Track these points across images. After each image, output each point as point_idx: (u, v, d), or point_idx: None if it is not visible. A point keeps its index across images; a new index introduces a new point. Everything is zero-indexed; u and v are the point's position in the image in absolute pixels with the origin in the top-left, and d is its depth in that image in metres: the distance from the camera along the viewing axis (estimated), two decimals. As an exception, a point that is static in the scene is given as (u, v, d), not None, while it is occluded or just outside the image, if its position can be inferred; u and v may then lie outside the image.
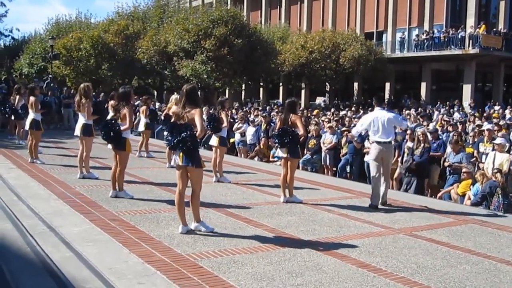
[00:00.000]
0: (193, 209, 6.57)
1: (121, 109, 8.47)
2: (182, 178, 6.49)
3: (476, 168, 11.30)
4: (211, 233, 6.53)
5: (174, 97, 12.13)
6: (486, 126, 13.41)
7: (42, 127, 12.41)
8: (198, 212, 6.63)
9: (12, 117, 15.51)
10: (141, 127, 14.04)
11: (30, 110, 12.09)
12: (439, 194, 11.22)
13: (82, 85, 10.45)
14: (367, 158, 12.89)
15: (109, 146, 8.61)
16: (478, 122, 17.19)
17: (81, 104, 10.13)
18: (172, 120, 6.66)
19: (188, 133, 6.17)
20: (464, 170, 10.69)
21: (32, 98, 12.09)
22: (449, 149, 12.03)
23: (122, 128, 8.32)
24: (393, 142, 9.21)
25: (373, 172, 8.91)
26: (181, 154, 6.32)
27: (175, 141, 6.20)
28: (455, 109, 28.86)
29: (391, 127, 8.86)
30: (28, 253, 5.72)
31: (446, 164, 11.72)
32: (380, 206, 8.75)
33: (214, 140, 10.60)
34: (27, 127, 12.05)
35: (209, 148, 11.44)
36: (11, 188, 9.00)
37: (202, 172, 6.57)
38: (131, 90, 9.00)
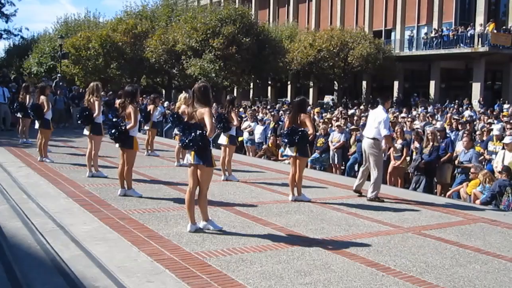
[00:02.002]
0: (201, 209, 6.57)
1: (126, 107, 8.51)
2: (194, 177, 6.51)
3: (485, 166, 11.24)
4: (219, 232, 6.55)
5: (183, 95, 12.14)
6: (495, 126, 13.31)
7: (52, 126, 12.46)
8: (207, 211, 6.64)
9: (18, 114, 15.47)
10: (148, 125, 14.08)
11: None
12: (448, 193, 11.17)
13: (91, 84, 10.54)
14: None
15: (117, 144, 8.64)
16: (487, 120, 17.06)
17: (89, 103, 10.18)
18: (185, 119, 6.69)
19: (199, 132, 6.20)
20: (472, 170, 10.63)
21: (42, 97, 12.14)
22: (459, 147, 11.98)
23: (127, 126, 8.35)
24: (379, 139, 9.21)
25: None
26: (192, 153, 6.36)
27: (186, 140, 6.25)
28: (465, 107, 28.72)
29: (376, 126, 9.17)
30: (38, 251, 5.75)
31: (456, 162, 11.67)
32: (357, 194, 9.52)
33: (223, 139, 10.60)
34: (36, 126, 12.10)
35: (218, 146, 11.45)
36: (21, 187, 9.06)
37: (212, 171, 6.58)
38: (138, 88, 9.00)
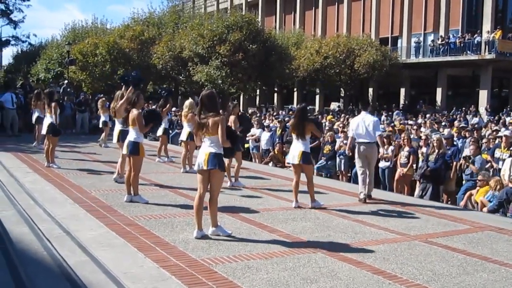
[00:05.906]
0: (211, 214, 6.58)
1: (130, 114, 8.56)
2: (203, 183, 6.52)
3: (492, 174, 11.18)
4: (225, 238, 6.54)
5: (188, 102, 12.14)
6: (503, 132, 13.24)
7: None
8: (216, 217, 6.65)
9: (33, 121, 15.81)
10: (159, 132, 13.99)
11: (47, 114, 12.15)
12: (461, 203, 10.92)
13: (118, 92, 10.39)
14: (382, 164, 12.85)
15: (124, 151, 8.66)
16: (495, 127, 16.98)
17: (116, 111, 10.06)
18: (195, 128, 6.71)
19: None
20: (480, 177, 10.57)
21: (52, 104, 12.14)
22: (466, 153, 11.94)
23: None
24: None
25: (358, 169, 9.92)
26: (205, 158, 6.35)
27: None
28: (471, 115, 28.62)
29: (373, 130, 9.61)
30: (45, 256, 5.76)
31: (462, 161, 11.65)
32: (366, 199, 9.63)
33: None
34: (44, 131, 12.14)
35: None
36: (28, 192, 9.09)
37: (223, 176, 6.60)
38: (140, 94, 8.98)
